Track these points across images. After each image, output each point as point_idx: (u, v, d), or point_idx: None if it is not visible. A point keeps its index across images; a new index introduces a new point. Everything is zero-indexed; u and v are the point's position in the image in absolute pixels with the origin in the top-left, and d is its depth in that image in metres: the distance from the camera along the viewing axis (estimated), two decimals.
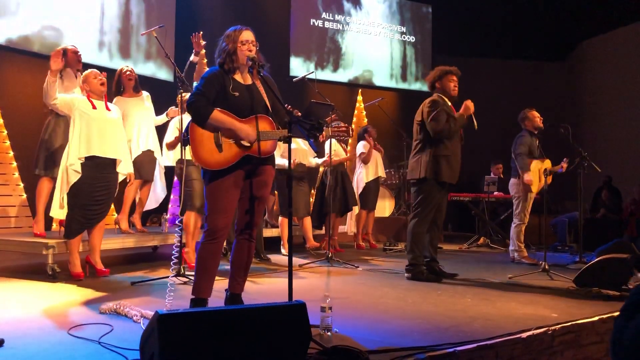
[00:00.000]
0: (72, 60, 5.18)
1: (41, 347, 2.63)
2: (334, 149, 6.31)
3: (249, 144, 3.12)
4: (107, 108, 4.65)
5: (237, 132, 3.08)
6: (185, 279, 4.46)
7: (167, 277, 4.50)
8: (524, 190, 6.06)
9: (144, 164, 5.52)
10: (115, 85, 5.57)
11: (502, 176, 8.67)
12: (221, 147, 3.07)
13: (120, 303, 3.36)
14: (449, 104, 4.94)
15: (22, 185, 6.49)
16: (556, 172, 6.21)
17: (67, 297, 3.89)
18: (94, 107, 4.54)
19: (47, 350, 2.57)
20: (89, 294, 4.00)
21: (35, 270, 4.84)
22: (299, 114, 5.08)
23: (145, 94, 5.69)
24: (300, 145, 6.38)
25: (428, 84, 5.15)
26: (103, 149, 4.51)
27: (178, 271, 4.51)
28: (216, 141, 3.08)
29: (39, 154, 5.09)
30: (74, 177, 4.41)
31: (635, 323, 1.38)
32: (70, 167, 4.42)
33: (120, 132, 4.73)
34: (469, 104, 4.85)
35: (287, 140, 3.01)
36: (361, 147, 7.41)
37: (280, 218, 6.60)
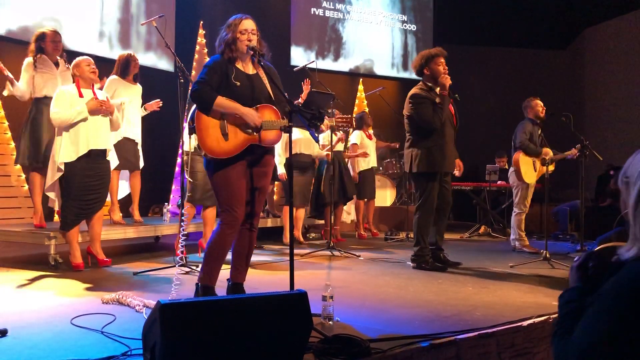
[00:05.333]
0: (50, 47, 5.11)
1: (44, 336, 2.64)
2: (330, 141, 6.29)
3: (253, 131, 3.11)
4: (95, 97, 4.54)
5: (242, 117, 3.07)
6: (187, 269, 4.48)
7: (170, 267, 4.53)
8: (519, 180, 6.06)
9: (130, 154, 5.45)
10: (123, 68, 5.41)
11: (506, 167, 8.64)
12: (227, 136, 3.07)
13: (123, 293, 3.38)
14: (437, 89, 4.87)
15: (23, 176, 6.49)
16: (565, 158, 6.14)
17: (70, 287, 3.91)
18: (81, 96, 4.47)
19: (49, 340, 2.58)
20: (92, 284, 4.01)
21: (37, 260, 4.85)
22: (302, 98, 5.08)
23: (139, 86, 5.61)
24: (306, 135, 6.34)
25: (415, 70, 5.05)
26: (96, 140, 4.49)
27: (181, 261, 4.52)
28: (222, 129, 3.07)
29: (21, 144, 5.06)
30: (59, 174, 4.42)
31: (576, 340, 1.26)
32: (59, 166, 4.41)
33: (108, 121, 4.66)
34: (445, 80, 4.76)
35: (288, 130, 3.01)
36: (354, 137, 7.38)
37: (284, 208, 6.59)
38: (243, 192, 3.16)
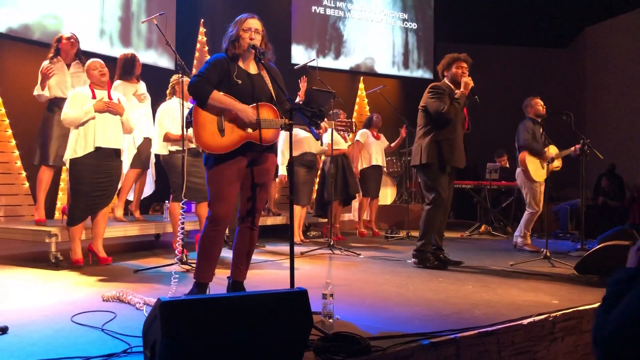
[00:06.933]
0: (65, 46, 5.16)
1: (44, 334, 2.65)
2: (334, 139, 6.28)
3: (251, 129, 3.11)
4: (110, 97, 4.62)
5: (237, 113, 3.08)
6: (187, 267, 4.48)
7: (170, 264, 4.53)
8: (528, 180, 6.05)
9: (144, 152, 5.49)
10: (127, 69, 5.40)
11: (507, 166, 8.63)
12: (223, 132, 3.08)
13: (123, 290, 3.38)
14: (455, 90, 4.91)
15: (24, 174, 6.50)
16: (570, 154, 6.13)
17: (70, 284, 3.91)
18: (94, 97, 4.53)
19: (50, 337, 2.59)
20: (92, 281, 4.02)
21: (38, 258, 4.86)
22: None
23: (141, 82, 5.59)
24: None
25: (439, 71, 5.15)
26: (106, 139, 4.53)
27: (180, 259, 4.51)
28: (219, 125, 3.08)
29: (35, 145, 5.15)
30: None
31: (615, 315, 1.35)
32: (67, 162, 4.51)
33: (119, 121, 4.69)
34: (468, 80, 4.84)
35: (289, 129, 3.02)
36: (358, 135, 7.37)
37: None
38: (230, 192, 3.16)
